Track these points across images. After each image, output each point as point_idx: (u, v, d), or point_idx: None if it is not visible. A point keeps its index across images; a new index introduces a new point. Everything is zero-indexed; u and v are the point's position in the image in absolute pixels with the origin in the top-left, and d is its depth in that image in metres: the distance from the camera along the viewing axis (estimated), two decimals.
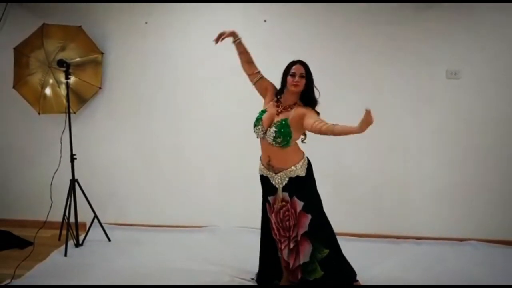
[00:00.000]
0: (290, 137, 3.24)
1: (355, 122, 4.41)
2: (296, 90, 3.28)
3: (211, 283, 3.68)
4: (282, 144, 3.24)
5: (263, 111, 3.37)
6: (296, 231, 3.39)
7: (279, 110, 3.32)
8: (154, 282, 3.71)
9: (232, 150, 4.74)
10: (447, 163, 4.57)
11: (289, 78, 3.27)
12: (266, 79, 3.44)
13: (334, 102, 4.55)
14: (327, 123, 3.07)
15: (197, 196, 4.91)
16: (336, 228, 4.65)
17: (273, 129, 3.24)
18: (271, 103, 3.39)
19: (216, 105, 4.73)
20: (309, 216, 3.37)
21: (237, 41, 3.42)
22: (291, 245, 3.41)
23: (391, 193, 4.66)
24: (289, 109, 3.29)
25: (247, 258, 3.81)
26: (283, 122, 3.24)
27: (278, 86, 3.41)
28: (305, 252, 3.39)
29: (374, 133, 4.53)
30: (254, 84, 3.46)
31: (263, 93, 3.46)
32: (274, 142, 3.25)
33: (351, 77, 4.61)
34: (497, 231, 4.53)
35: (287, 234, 3.43)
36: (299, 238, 3.38)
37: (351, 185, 4.71)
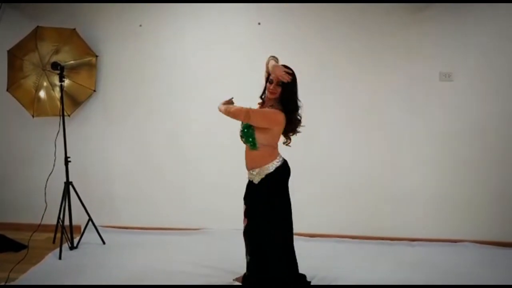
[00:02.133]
0: (253, 138, 3.28)
1: (349, 123, 4.46)
2: (271, 97, 3.30)
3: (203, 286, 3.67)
4: (250, 145, 3.32)
5: None
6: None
7: None
8: (148, 285, 3.72)
9: (227, 153, 4.74)
10: (441, 165, 4.58)
11: (267, 84, 3.31)
12: None
13: (326, 105, 4.60)
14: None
15: (192, 198, 4.92)
16: (331, 230, 4.70)
17: (240, 128, 3.36)
18: (258, 105, 3.46)
19: (211, 107, 4.71)
20: (245, 221, 3.45)
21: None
22: None
23: (384, 195, 4.68)
24: None
25: (242, 261, 3.80)
26: (247, 123, 3.29)
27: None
28: None
29: (369, 135, 4.60)
30: None
31: None
32: (242, 140, 3.36)
33: (344, 80, 4.62)
34: (491, 232, 4.55)
35: None
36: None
37: (344, 187, 4.71)
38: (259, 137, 3.27)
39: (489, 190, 4.54)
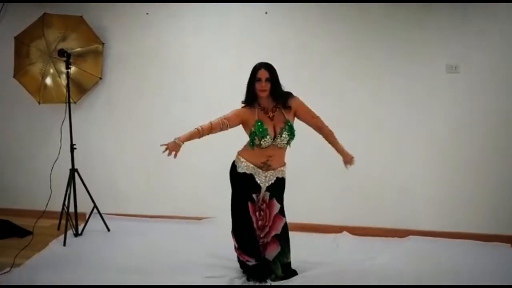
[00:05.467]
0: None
1: (354, 115, 4.43)
2: (265, 95, 3.36)
3: (206, 276, 3.65)
4: (290, 142, 3.44)
5: (261, 122, 3.37)
6: (268, 232, 3.53)
7: (271, 115, 3.42)
8: (152, 273, 3.72)
9: (232, 141, 4.72)
10: (444, 159, 4.53)
11: (256, 84, 3.35)
12: (231, 117, 3.42)
13: (335, 96, 4.56)
14: (326, 126, 3.50)
15: (197, 187, 4.92)
16: (332, 220, 4.66)
17: (285, 134, 3.38)
18: (256, 111, 3.42)
19: (217, 96, 4.71)
20: (284, 219, 3.54)
21: (183, 142, 3.46)
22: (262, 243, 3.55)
23: (386, 188, 4.65)
24: (276, 110, 3.42)
25: None
26: (289, 124, 3.39)
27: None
28: (271, 253, 3.54)
29: (372, 128, 4.57)
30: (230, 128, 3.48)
31: (240, 123, 3.48)
32: (287, 144, 3.43)
33: (351, 72, 4.58)
34: (490, 226, 4.50)
35: (260, 234, 3.55)
36: (269, 240, 3.52)
37: (349, 178, 4.68)
38: None
39: (492, 185, 4.48)
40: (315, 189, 4.64)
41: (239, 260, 3.67)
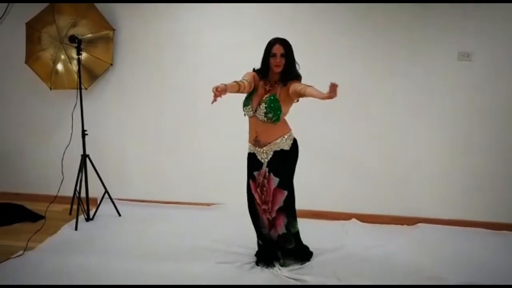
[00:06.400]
0: (280, 111, 3.34)
1: (365, 105, 4.42)
2: (279, 71, 3.36)
3: (216, 262, 3.69)
4: (273, 119, 3.34)
5: (253, 91, 3.45)
6: (271, 207, 3.53)
7: (267, 89, 3.43)
8: (162, 258, 3.76)
9: (242, 128, 4.73)
10: (453, 147, 4.53)
11: (271, 59, 3.35)
12: (251, 79, 3.41)
13: (344, 83, 4.53)
14: (306, 86, 3.21)
15: (206, 173, 4.95)
16: (341, 207, 4.66)
17: (263, 105, 3.36)
18: (261, 83, 3.46)
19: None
20: (285, 193, 3.51)
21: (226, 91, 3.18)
22: (269, 219, 3.58)
23: (394, 175, 4.66)
24: (275, 85, 3.41)
25: (254, 237, 3.83)
26: (272, 98, 3.35)
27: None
28: (281, 225, 3.56)
29: (380, 120, 4.56)
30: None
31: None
32: (266, 118, 3.35)
33: (354, 71, 4.57)
34: (498, 214, 4.50)
35: (266, 208, 3.57)
36: (274, 214, 3.53)
37: (352, 166, 4.72)
38: (284, 107, 3.38)
39: (501, 173, 4.49)
40: (324, 176, 4.66)
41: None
